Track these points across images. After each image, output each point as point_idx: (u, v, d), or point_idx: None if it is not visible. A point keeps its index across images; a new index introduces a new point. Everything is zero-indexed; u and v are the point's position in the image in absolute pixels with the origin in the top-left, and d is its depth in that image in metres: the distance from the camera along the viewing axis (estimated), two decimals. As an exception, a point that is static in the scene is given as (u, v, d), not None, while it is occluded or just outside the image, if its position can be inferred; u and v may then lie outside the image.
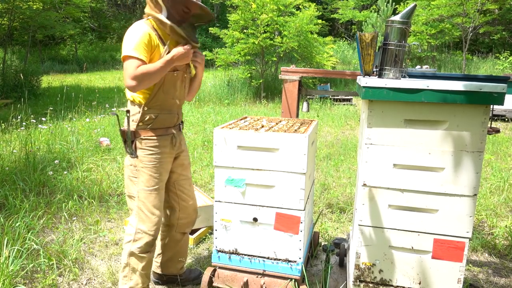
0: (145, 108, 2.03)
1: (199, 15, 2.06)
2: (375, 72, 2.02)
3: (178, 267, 2.40)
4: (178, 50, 1.96)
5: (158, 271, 2.42)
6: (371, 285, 1.97)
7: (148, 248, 2.12)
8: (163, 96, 2.04)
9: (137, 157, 2.06)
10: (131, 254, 2.11)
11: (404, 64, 1.99)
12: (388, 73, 1.96)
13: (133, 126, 2.05)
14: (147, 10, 1.99)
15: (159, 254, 2.39)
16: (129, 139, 2.04)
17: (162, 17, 1.94)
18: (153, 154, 2.06)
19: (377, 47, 2.00)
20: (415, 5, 2.02)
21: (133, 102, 2.06)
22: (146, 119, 2.04)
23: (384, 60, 1.98)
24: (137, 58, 1.89)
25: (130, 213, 2.16)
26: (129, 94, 2.06)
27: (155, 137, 2.06)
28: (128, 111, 2.06)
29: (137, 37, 1.92)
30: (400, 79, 1.94)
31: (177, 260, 2.38)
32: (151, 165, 2.06)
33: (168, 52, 1.98)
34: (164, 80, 2.01)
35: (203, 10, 2.01)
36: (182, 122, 2.27)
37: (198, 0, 1.97)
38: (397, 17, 1.94)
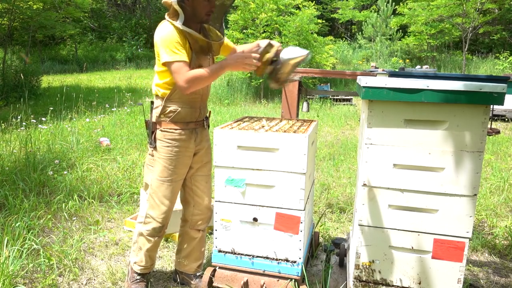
0: (167, 102, 2.10)
1: (222, 2, 2.13)
2: (262, 77, 2.27)
3: (193, 266, 2.41)
4: (241, 58, 1.99)
5: (177, 267, 2.46)
6: (371, 285, 1.97)
7: (155, 233, 2.24)
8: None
9: (155, 147, 2.15)
10: (140, 234, 2.26)
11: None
12: (272, 84, 2.14)
13: (154, 118, 2.14)
14: (166, 17, 2.04)
15: (178, 251, 2.43)
16: (150, 130, 2.15)
17: (179, 24, 1.98)
18: (170, 147, 2.13)
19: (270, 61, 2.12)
20: (308, 54, 2.09)
21: (157, 96, 2.15)
22: (166, 112, 2.11)
23: (271, 74, 2.12)
24: (181, 61, 1.96)
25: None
26: (154, 89, 2.17)
27: (174, 130, 2.13)
28: (152, 103, 2.17)
29: (168, 38, 1.97)
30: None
31: (193, 258, 2.40)
32: (167, 157, 2.14)
33: (194, 60, 2.04)
34: None
35: None
36: (207, 118, 2.30)
37: None
38: (289, 55, 2.05)
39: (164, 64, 1.99)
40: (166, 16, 2.05)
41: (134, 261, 2.32)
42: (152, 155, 2.17)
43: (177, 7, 1.96)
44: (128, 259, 2.76)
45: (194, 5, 2.01)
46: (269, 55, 2.08)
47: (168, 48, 1.96)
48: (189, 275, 2.41)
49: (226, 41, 2.32)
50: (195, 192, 2.31)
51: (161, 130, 2.13)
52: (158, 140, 2.14)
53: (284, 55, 2.05)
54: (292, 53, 2.05)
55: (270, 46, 2.10)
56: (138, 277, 2.34)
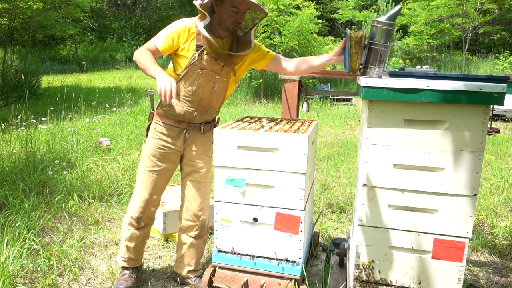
0: None
1: (251, 15, 2.15)
2: (360, 70, 2.05)
3: (185, 269, 2.39)
4: (163, 85, 1.87)
5: (174, 268, 2.47)
6: (371, 285, 1.97)
7: (133, 222, 2.27)
8: (182, 88, 2.12)
9: (147, 136, 2.25)
10: (124, 221, 2.33)
11: (387, 64, 2.03)
12: (372, 72, 2.00)
13: (155, 109, 2.24)
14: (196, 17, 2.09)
15: (176, 252, 2.46)
16: (149, 119, 2.27)
17: (200, 25, 2.00)
18: (157, 139, 2.20)
19: (364, 46, 2.02)
20: (400, 8, 2.06)
21: None
22: (163, 104, 2.17)
23: (369, 58, 2.00)
24: (155, 45, 2.06)
25: None
26: None
27: (165, 125, 2.19)
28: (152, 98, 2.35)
29: (172, 29, 2.08)
30: (381, 77, 1.96)
31: (185, 262, 2.38)
32: (152, 148, 2.22)
33: (195, 59, 2.05)
34: (186, 72, 2.09)
35: (253, 6, 2.05)
36: (206, 123, 2.26)
37: None
38: (382, 18, 1.95)
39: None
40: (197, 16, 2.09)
41: (119, 252, 2.36)
42: (145, 144, 2.27)
43: (200, 9, 1.98)
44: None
45: (222, 12, 2.03)
46: (358, 34, 1.97)
47: (162, 33, 2.07)
48: (182, 276, 2.40)
49: (264, 51, 2.26)
50: (186, 196, 2.31)
51: (155, 122, 2.22)
52: (150, 131, 2.24)
53: (378, 19, 1.95)
54: (384, 16, 1.95)
55: (352, 35, 1.99)
56: (126, 272, 2.35)
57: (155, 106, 2.23)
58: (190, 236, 2.34)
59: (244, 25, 2.18)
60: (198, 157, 2.27)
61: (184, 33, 2.06)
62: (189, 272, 2.39)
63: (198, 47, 2.05)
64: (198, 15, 2.05)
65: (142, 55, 2.02)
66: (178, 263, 2.41)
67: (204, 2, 1.95)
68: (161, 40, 2.06)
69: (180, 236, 2.38)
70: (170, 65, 2.20)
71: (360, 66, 2.03)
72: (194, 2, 2.01)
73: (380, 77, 1.98)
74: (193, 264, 2.38)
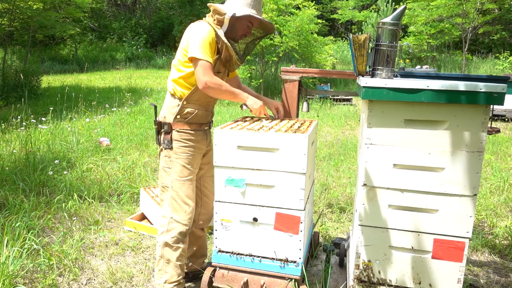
0: (185, 103, 2.14)
1: (260, 30, 2.28)
2: (368, 72, 2.05)
3: (200, 261, 2.49)
4: (256, 103, 2.18)
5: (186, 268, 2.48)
6: (371, 285, 1.97)
7: (182, 238, 2.19)
8: (203, 93, 2.12)
9: (171, 148, 2.16)
10: (165, 244, 2.18)
11: (396, 64, 2.03)
12: (381, 73, 1.99)
13: (170, 119, 2.16)
14: (208, 20, 2.12)
15: (190, 246, 2.47)
16: (165, 131, 2.17)
17: (221, 33, 2.08)
18: (187, 147, 2.17)
19: (370, 48, 2.02)
20: (405, 7, 2.07)
21: (173, 95, 2.17)
22: (184, 112, 2.15)
23: (377, 60, 2.00)
24: (210, 62, 2.02)
25: (161, 205, 2.25)
26: (170, 87, 2.18)
27: (190, 131, 2.18)
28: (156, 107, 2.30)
29: (204, 38, 2.03)
30: (392, 78, 1.95)
31: (200, 255, 2.49)
32: (184, 156, 2.17)
33: (216, 65, 2.14)
34: None
35: (264, 24, 2.22)
36: (212, 120, 2.36)
37: (260, 15, 2.14)
38: (388, 19, 1.97)
39: (192, 59, 2.03)
40: (209, 20, 2.11)
41: (165, 279, 2.18)
42: (169, 156, 2.17)
43: (227, 21, 2.05)
44: (128, 260, 2.76)
45: (237, 23, 2.10)
46: (361, 37, 1.98)
47: (202, 46, 2.01)
48: (198, 270, 2.45)
49: None
50: (203, 193, 2.38)
51: (177, 131, 2.16)
52: (175, 141, 2.16)
53: (383, 19, 1.96)
54: (389, 17, 1.97)
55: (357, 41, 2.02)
56: None
57: (174, 115, 2.16)
58: (203, 228, 2.45)
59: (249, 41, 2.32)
60: (210, 152, 2.36)
61: (213, 39, 2.07)
62: (204, 262, 2.48)
63: (218, 53, 2.11)
64: (214, 21, 2.09)
65: (218, 81, 2.04)
66: (193, 259, 2.46)
67: (240, 15, 2.04)
68: (207, 53, 2.03)
69: (194, 232, 2.42)
70: (178, 79, 2.14)
71: (369, 69, 2.05)
72: (224, 12, 2.04)
73: (389, 77, 1.97)
74: (207, 253, 2.50)
